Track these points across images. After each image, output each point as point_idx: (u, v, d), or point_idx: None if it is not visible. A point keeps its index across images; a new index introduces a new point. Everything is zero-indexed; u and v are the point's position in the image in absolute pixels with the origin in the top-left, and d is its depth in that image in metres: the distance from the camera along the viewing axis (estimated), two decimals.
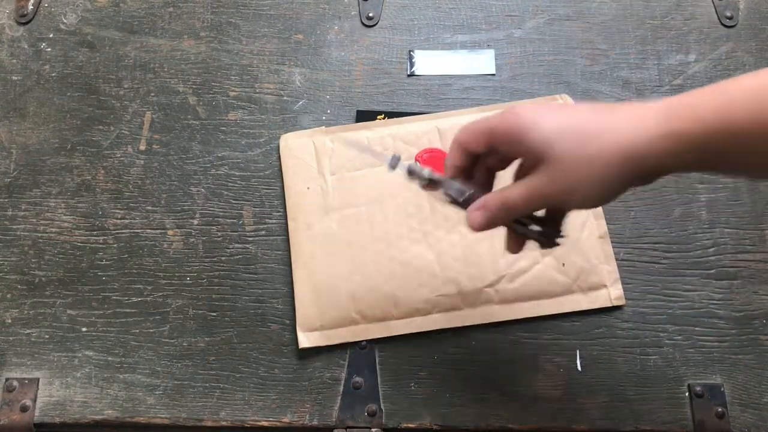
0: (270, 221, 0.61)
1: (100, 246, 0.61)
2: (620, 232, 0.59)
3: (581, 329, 0.56)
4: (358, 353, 0.56)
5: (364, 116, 0.64)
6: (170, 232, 0.61)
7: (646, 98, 0.64)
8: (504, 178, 0.44)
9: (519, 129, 0.37)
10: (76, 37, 0.70)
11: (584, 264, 0.57)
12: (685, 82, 0.65)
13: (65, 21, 0.70)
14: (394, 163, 0.42)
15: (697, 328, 0.56)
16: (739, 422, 0.53)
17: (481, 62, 0.66)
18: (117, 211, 0.62)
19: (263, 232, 0.60)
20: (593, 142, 0.35)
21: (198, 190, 0.62)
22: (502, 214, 0.39)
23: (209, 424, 0.54)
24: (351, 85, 0.66)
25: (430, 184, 0.42)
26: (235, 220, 0.61)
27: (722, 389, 0.54)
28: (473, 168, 0.43)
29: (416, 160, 0.60)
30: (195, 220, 0.61)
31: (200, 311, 0.58)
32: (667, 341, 0.56)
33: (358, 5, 0.70)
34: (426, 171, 0.42)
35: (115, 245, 0.61)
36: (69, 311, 0.58)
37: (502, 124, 0.38)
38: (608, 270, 0.57)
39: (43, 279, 0.60)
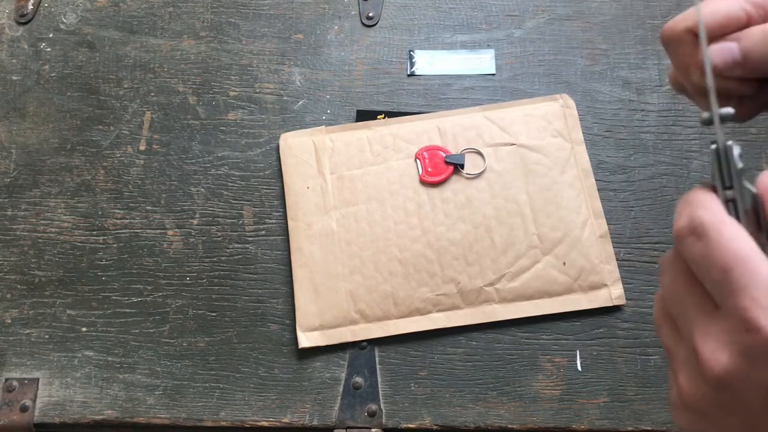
0: (270, 221, 0.61)
1: (100, 246, 0.61)
2: (620, 232, 0.59)
3: (581, 329, 0.56)
4: (358, 353, 0.56)
5: (364, 116, 0.64)
6: (170, 232, 0.61)
7: (646, 98, 0.64)
8: None
9: None
10: (76, 37, 0.70)
11: (585, 263, 0.57)
12: None
13: (65, 21, 0.70)
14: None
15: None
16: None
17: (481, 62, 0.66)
18: (117, 211, 0.62)
19: (263, 232, 0.60)
20: None
21: (198, 190, 0.62)
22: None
23: (209, 424, 0.54)
24: (351, 84, 0.66)
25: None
26: (234, 220, 0.61)
27: None
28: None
29: (416, 158, 0.60)
30: (195, 220, 0.61)
31: (200, 311, 0.58)
32: None
33: (358, 5, 0.70)
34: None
35: (114, 245, 0.61)
36: (69, 311, 0.58)
37: None
38: (609, 269, 0.57)
39: (42, 279, 0.60)
